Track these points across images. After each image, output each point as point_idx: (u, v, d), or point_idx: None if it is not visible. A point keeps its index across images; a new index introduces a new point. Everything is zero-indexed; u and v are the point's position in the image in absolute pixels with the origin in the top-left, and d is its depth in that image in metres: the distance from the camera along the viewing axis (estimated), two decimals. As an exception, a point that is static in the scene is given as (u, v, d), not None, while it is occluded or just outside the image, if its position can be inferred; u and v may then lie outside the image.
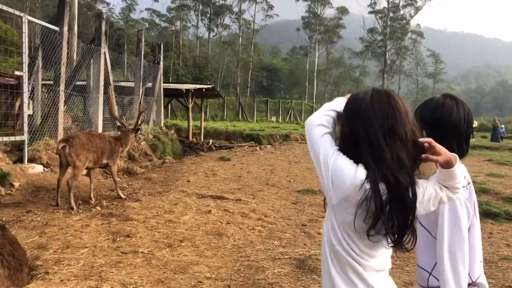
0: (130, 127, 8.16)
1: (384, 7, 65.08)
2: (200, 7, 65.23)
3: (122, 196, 7.38)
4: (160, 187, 8.37)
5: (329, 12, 71.42)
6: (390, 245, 1.49)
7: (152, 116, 16.65)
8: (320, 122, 1.58)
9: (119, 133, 8.21)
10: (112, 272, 3.84)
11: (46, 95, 10.87)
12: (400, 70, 71.50)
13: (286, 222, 6.22)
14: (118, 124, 8.36)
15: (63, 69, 9.99)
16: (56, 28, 9.91)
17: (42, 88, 11.51)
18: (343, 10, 69.22)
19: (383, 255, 1.54)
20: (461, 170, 1.61)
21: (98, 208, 6.49)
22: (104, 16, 12.91)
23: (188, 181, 9.05)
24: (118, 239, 4.80)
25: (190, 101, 20.05)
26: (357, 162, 1.46)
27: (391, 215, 1.42)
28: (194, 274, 3.99)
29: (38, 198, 7.04)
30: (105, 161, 7.44)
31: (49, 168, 8.77)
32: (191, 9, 67.75)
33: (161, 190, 7.85)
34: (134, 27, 61.47)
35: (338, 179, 1.45)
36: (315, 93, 67.36)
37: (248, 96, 55.41)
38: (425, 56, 77.74)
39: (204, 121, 25.12)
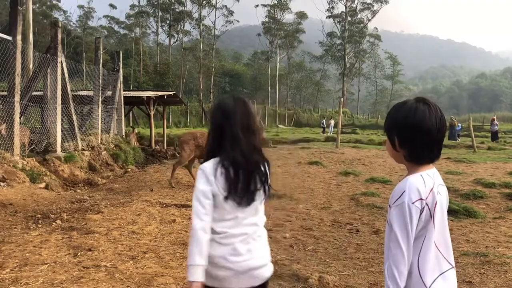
0: None
1: (342, 12, 66.49)
2: (160, 13, 64.52)
3: None
4: (123, 197, 8.20)
5: (288, 17, 72.53)
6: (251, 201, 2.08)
7: (113, 125, 16.33)
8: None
9: None
10: (74, 289, 3.72)
11: (1, 107, 10.49)
12: (360, 72, 73.12)
13: (251, 228, 6.19)
14: None
15: (17, 80, 9.68)
16: (9, 38, 9.59)
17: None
18: (302, 15, 70.17)
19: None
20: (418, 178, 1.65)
21: (58, 222, 6.29)
22: (60, 24, 12.58)
23: (152, 190, 8.90)
24: (79, 254, 4.66)
25: (151, 108, 19.80)
26: (219, 150, 2.05)
27: (249, 181, 2.03)
28: (159, 286, 3.91)
29: (-6, 214, 6.75)
30: None
31: (5, 183, 8.44)
32: (150, 15, 66.92)
33: (123, 201, 7.68)
34: (92, 35, 60.07)
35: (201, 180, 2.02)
36: (277, 97, 67.93)
37: (211, 102, 55.22)
38: (383, 58, 79.80)
39: (167, 128, 24.85)
